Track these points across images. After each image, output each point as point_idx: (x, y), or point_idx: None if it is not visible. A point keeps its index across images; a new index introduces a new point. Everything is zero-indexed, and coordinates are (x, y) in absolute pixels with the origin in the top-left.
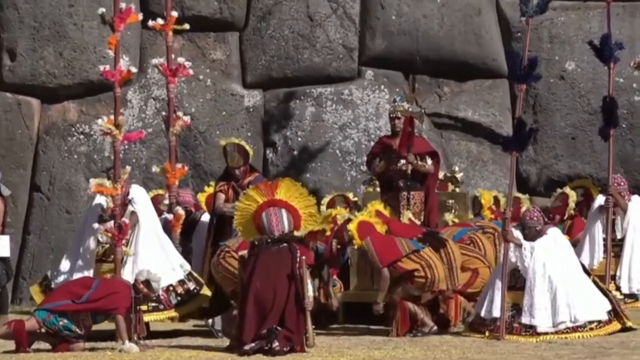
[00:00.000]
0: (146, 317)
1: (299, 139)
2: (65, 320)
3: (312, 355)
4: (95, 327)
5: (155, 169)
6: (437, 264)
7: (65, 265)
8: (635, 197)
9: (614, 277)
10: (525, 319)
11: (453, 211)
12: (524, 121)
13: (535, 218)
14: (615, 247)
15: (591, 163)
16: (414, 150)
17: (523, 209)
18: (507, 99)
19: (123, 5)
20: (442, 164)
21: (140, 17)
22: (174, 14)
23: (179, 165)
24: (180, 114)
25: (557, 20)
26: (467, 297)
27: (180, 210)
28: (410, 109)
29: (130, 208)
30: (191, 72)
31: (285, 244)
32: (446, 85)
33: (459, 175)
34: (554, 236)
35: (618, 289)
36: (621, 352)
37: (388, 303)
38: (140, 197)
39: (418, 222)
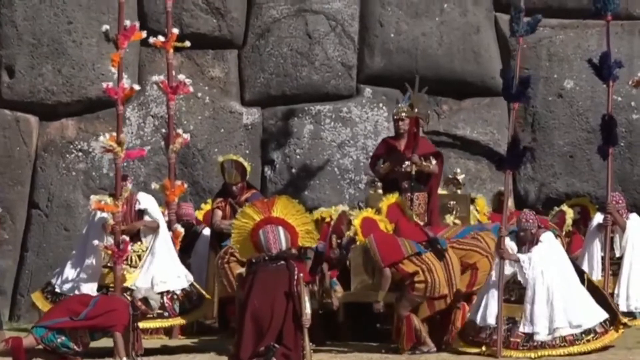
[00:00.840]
0: (151, 324)
1: (297, 156)
2: (63, 337)
3: None
4: (93, 344)
5: (154, 186)
6: (438, 268)
7: (71, 273)
8: (633, 215)
9: (612, 295)
10: (525, 328)
11: (454, 213)
12: (518, 139)
13: (530, 220)
14: (614, 265)
15: (589, 181)
16: (418, 151)
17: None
18: (505, 117)
19: (128, 22)
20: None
21: (144, 35)
22: (175, 31)
23: (178, 183)
24: (180, 131)
25: (555, 39)
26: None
27: (179, 228)
28: (415, 110)
29: (147, 218)
30: (191, 89)
31: (282, 262)
32: (444, 103)
33: (460, 177)
34: (549, 241)
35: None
36: None
37: (396, 317)
38: (151, 204)
39: (422, 224)
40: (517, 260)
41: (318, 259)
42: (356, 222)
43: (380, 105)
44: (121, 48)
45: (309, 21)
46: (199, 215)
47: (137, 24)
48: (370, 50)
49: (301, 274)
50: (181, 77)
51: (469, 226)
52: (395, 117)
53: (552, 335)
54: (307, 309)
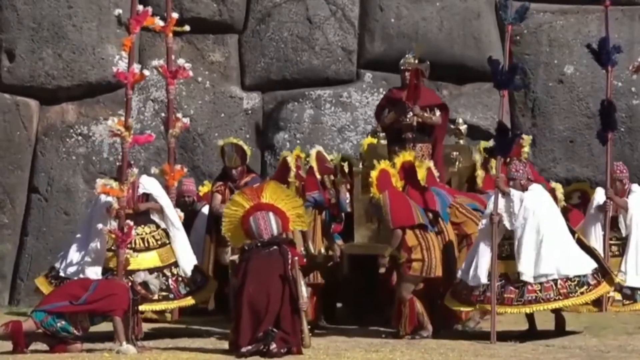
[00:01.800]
0: (157, 306)
1: (298, 141)
2: (63, 322)
3: (309, 357)
4: (93, 329)
5: (154, 170)
6: (436, 249)
7: (75, 256)
8: (635, 186)
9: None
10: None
11: (457, 163)
12: (506, 126)
13: (521, 171)
14: (617, 245)
15: (589, 166)
16: (422, 102)
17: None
18: (505, 102)
19: (140, 7)
20: None
21: (157, 20)
22: (175, 15)
23: (178, 167)
24: (179, 115)
25: (556, 24)
26: None
27: (179, 212)
28: (416, 62)
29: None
30: (191, 73)
31: (275, 247)
32: (445, 88)
33: (462, 127)
34: (539, 192)
35: (620, 288)
36: (619, 356)
37: (397, 300)
38: (155, 187)
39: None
40: (508, 193)
41: (320, 209)
42: (373, 174)
43: (381, 90)
44: (133, 32)
45: (309, 6)
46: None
47: (150, 9)
48: (370, 35)
49: (295, 258)
50: (181, 61)
51: (476, 204)
52: (402, 67)
53: (538, 280)
54: (304, 292)
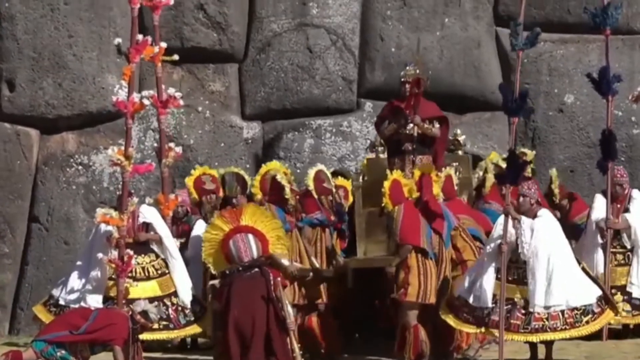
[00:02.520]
0: (157, 336)
1: (298, 170)
2: (63, 351)
3: None
4: (93, 358)
5: (148, 200)
6: (433, 276)
7: (77, 284)
8: (635, 192)
9: (621, 288)
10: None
11: (457, 174)
12: (516, 154)
13: (533, 189)
14: (621, 252)
15: (590, 196)
16: (422, 114)
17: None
18: (505, 131)
19: (140, 36)
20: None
21: (156, 50)
22: (163, 44)
23: (172, 196)
24: (172, 144)
25: (556, 53)
26: None
27: (176, 241)
28: (417, 71)
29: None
30: (182, 102)
31: (257, 269)
32: None
33: (461, 138)
34: (548, 219)
35: (630, 299)
36: None
37: (401, 327)
38: (155, 217)
39: None
40: (519, 220)
41: (324, 227)
42: (386, 185)
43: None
44: (133, 62)
45: (309, 35)
46: (189, 181)
47: (150, 39)
48: (370, 64)
49: (277, 279)
50: (171, 90)
51: (478, 231)
52: (402, 79)
53: (547, 311)
54: (290, 312)
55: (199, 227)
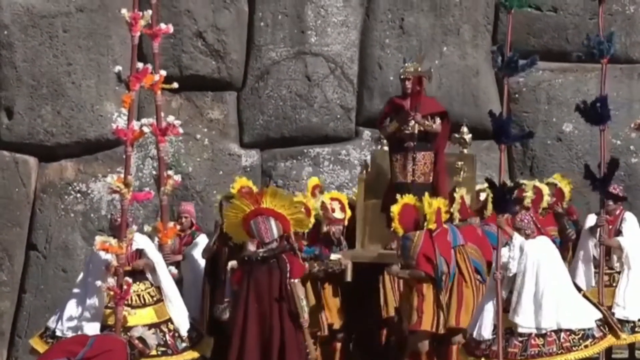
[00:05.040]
0: None
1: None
2: None
3: None
4: None
5: (146, 228)
6: (443, 307)
7: (74, 312)
8: (628, 214)
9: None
10: (512, 317)
11: (462, 173)
12: (506, 185)
13: (526, 221)
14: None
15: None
16: (423, 110)
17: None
18: (504, 160)
19: (140, 64)
20: None
21: (157, 78)
22: (163, 72)
23: (171, 224)
24: (171, 172)
25: (554, 82)
26: None
27: (173, 270)
28: (419, 69)
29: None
30: (181, 130)
31: (274, 260)
32: None
33: (467, 137)
34: (542, 243)
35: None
36: None
37: (411, 353)
38: (147, 245)
39: (427, 183)
40: (511, 237)
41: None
42: (395, 209)
43: (379, 147)
44: (133, 89)
45: (308, 63)
46: None
47: (150, 67)
48: (369, 92)
49: (292, 280)
50: (170, 118)
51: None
52: (401, 76)
53: (539, 332)
54: (304, 307)
55: (201, 242)
